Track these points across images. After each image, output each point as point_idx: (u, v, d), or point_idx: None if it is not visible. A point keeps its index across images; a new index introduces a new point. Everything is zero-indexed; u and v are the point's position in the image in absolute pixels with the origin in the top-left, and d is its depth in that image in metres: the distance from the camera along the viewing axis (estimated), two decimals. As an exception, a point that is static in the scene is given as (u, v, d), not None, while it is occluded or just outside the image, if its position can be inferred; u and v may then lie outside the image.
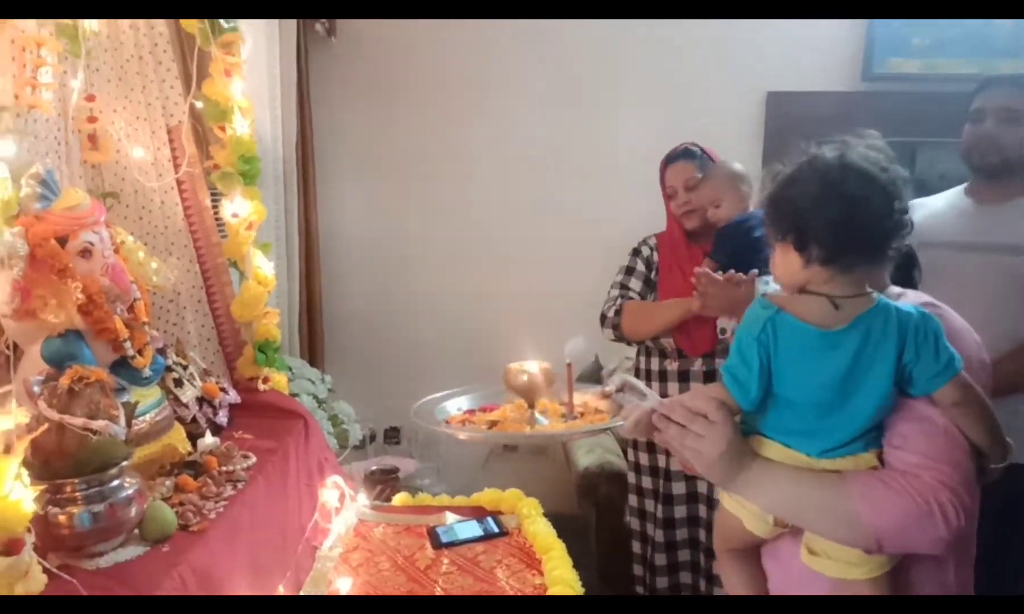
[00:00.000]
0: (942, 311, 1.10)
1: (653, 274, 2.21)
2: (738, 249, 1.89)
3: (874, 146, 1.04)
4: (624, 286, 2.22)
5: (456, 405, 1.44)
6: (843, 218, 0.99)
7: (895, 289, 1.15)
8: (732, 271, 1.83)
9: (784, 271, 1.07)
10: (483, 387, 1.49)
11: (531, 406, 1.34)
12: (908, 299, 1.10)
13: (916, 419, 1.02)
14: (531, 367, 1.31)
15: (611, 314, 2.17)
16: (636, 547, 2.33)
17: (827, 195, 1.00)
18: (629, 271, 2.26)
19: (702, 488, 2.17)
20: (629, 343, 2.24)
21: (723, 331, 1.99)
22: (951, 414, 1.00)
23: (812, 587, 1.10)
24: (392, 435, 3.41)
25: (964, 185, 2.08)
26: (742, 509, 1.14)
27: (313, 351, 3.14)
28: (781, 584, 1.19)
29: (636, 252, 2.28)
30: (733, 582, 1.23)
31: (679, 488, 2.20)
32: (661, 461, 2.21)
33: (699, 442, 1.05)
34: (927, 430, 1.01)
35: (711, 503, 2.13)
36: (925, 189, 2.19)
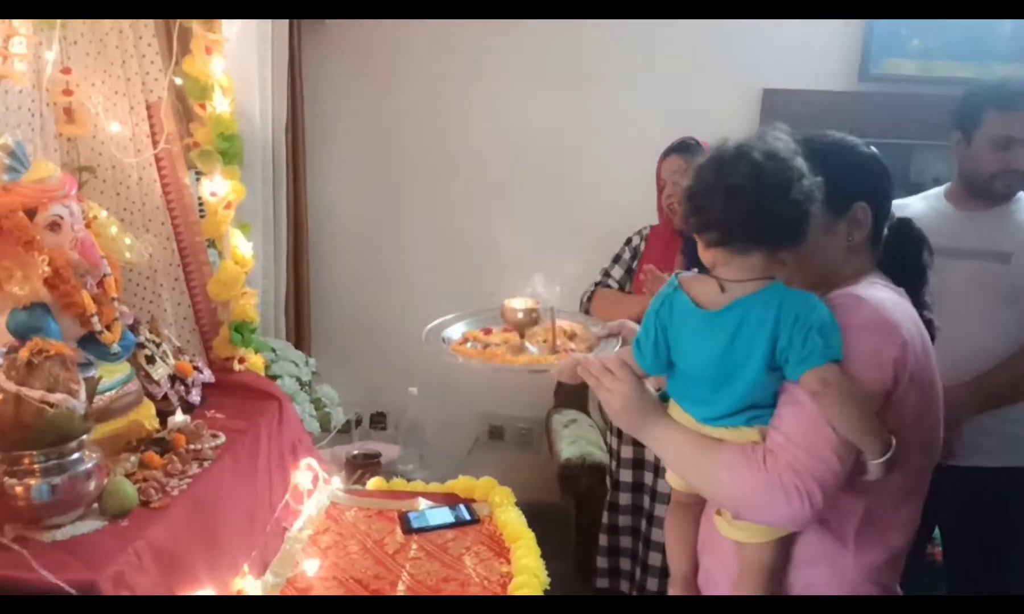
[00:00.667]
0: (858, 303, 1.10)
1: (635, 264, 2.22)
2: None
3: (779, 137, 1.08)
4: (606, 273, 2.27)
5: (459, 329, 1.62)
6: (728, 205, 1.04)
7: (873, 277, 1.17)
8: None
9: (699, 252, 1.13)
10: (487, 313, 1.65)
11: (521, 336, 1.54)
12: (851, 287, 1.13)
13: (791, 402, 1.08)
14: (519, 305, 1.54)
15: (585, 299, 2.25)
16: (603, 540, 2.35)
17: (717, 183, 1.05)
18: (616, 259, 2.30)
19: (647, 478, 2.23)
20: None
21: None
22: (817, 404, 1.04)
23: (724, 545, 1.19)
24: (378, 420, 3.40)
25: (943, 188, 2.05)
26: None
27: (299, 334, 3.14)
28: (706, 538, 1.28)
29: (628, 241, 2.33)
30: (668, 525, 1.35)
31: (625, 476, 2.26)
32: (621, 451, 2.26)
33: (607, 394, 1.18)
34: (796, 414, 1.06)
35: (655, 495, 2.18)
36: (920, 192, 2.17)
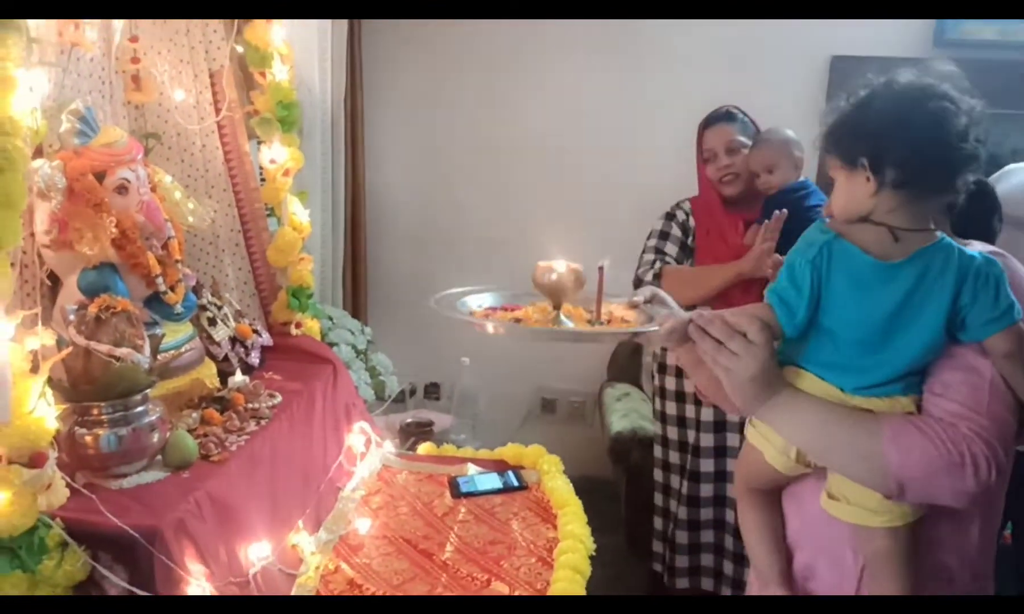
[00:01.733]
0: (1008, 260, 1.04)
1: (690, 240, 2.16)
2: (793, 215, 1.82)
3: (952, 75, 0.99)
4: (660, 251, 2.15)
5: (478, 302, 1.33)
6: (925, 138, 0.94)
7: (955, 238, 1.09)
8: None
9: (847, 199, 1.02)
10: (508, 288, 1.40)
11: (556, 307, 1.23)
12: (972, 247, 1.05)
13: (962, 368, 0.98)
14: (560, 266, 1.22)
15: (649, 278, 2.09)
16: (658, 524, 2.31)
17: (908, 114, 0.95)
18: (664, 235, 2.18)
19: (730, 466, 2.12)
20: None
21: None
22: (1000, 366, 0.96)
23: (829, 532, 1.08)
24: (432, 390, 3.46)
25: None
26: (766, 442, 1.11)
27: (356, 302, 3.20)
28: (798, 527, 1.16)
29: (670, 216, 2.20)
30: (747, 520, 1.20)
31: (707, 465, 2.17)
32: (690, 437, 2.18)
33: (733, 360, 1.01)
34: (972, 380, 0.97)
35: None
36: (995, 164, 2.06)
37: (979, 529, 1.06)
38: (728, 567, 2.18)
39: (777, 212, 1.84)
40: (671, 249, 2.15)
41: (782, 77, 2.98)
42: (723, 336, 1.01)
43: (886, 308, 0.97)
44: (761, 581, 1.20)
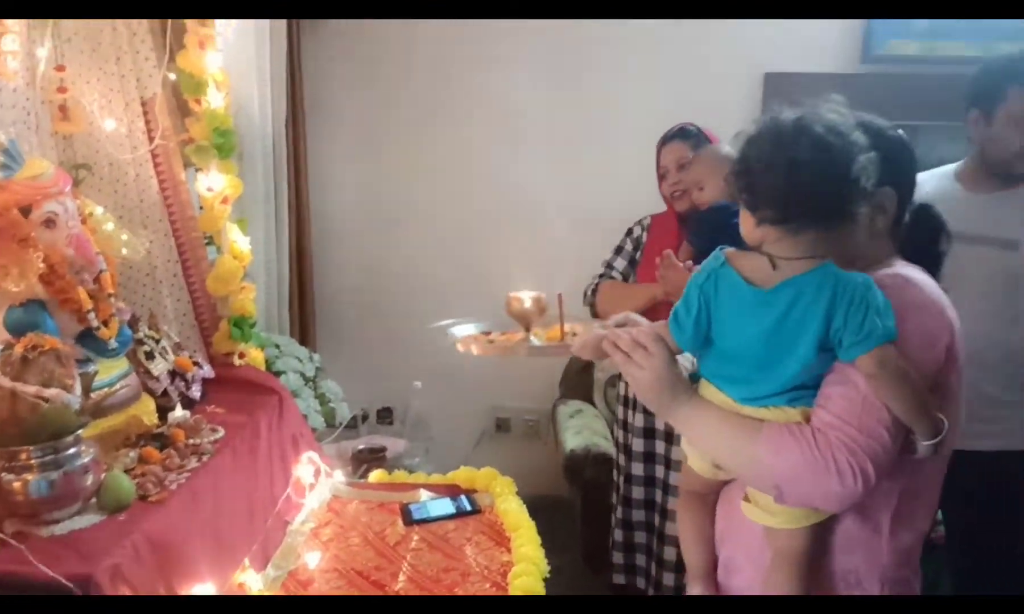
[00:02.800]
0: (907, 284, 1.09)
1: (638, 254, 2.19)
2: (715, 234, 1.85)
3: (836, 111, 1.05)
4: (609, 265, 2.23)
5: (463, 331, 1.61)
6: (791, 181, 1.01)
7: (896, 261, 1.16)
8: (691, 263, 1.81)
9: (744, 229, 1.10)
10: (488, 318, 1.65)
11: (527, 330, 1.51)
12: (890, 270, 1.12)
13: (840, 382, 1.05)
14: (525, 296, 1.51)
15: (589, 292, 2.19)
16: (619, 536, 2.32)
17: (777, 158, 1.02)
18: (618, 250, 2.26)
19: (659, 472, 2.17)
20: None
21: None
22: (869, 384, 1.02)
23: (749, 530, 1.17)
24: (385, 415, 3.42)
25: (953, 167, 2.02)
26: (690, 448, 1.23)
27: (304, 329, 3.14)
28: (726, 527, 1.25)
29: (629, 232, 2.28)
30: (682, 520, 1.31)
31: (637, 469, 2.21)
32: (629, 440, 2.22)
33: (637, 370, 1.13)
34: (847, 393, 1.04)
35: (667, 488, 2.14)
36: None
37: (890, 532, 1.13)
38: (655, 570, 2.22)
39: (667, 252, 1.90)
40: (619, 264, 2.22)
41: (719, 95, 3.05)
42: (628, 349, 1.13)
43: (762, 329, 1.05)
44: (689, 576, 1.31)
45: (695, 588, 1.29)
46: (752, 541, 1.17)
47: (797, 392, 1.07)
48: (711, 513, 1.27)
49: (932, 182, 2.02)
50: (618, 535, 2.27)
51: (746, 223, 1.09)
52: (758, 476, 1.10)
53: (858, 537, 1.13)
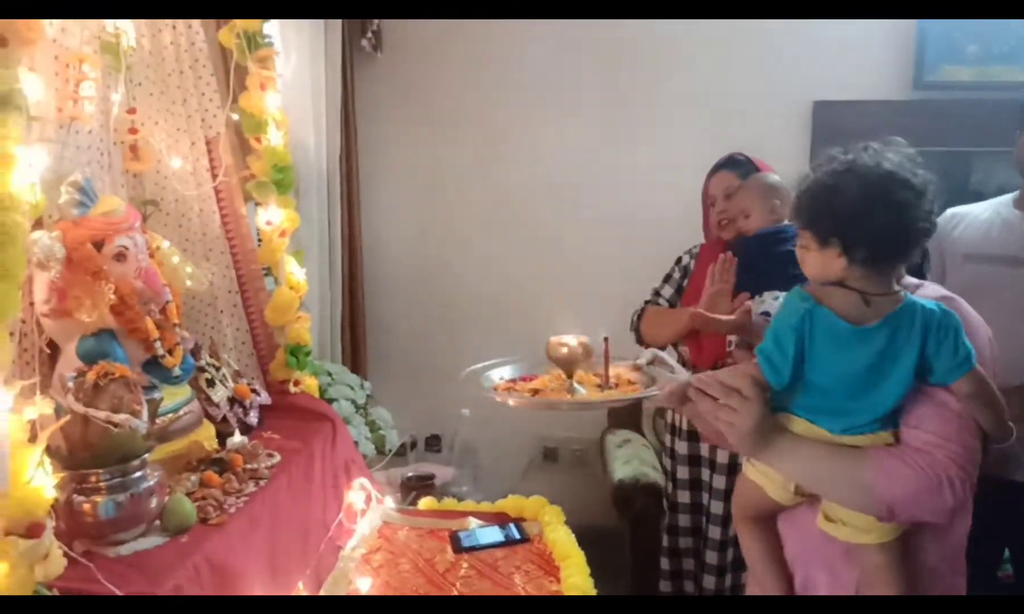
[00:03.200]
0: (958, 304, 1.18)
1: (685, 282, 2.20)
2: (758, 262, 1.85)
3: (905, 153, 1.12)
4: (656, 293, 2.24)
5: (499, 374, 1.51)
6: (889, 224, 1.08)
7: (912, 280, 1.24)
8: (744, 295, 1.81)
9: (821, 268, 1.14)
10: (525, 358, 1.56)
11: (569, 376, 1.40)
12: (926, 292, 1.20)
13: (933, 403, 1.13)
14: (570, 340, 1.40)
15: (635, 318, 2.21)
16: (665, 563, 2.30)
17: (874, 203, 1.08)
18: (666, 278, 2.28)
19: (704, 499, 2.18)
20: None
21: (730, 344, 1.95)
22: (965, 403, 1.10)
23: (826, 550, 1.22)
24: (433, 443, 3.45)
25: (1012, 195, 1.99)
26: (766, 479, 1.23)
27: (355, 358, 3.21)
28: (796, 547, 1.29)
29: (678, 260, 2.30)
30: (751, 546, 1.32)
31: (683, 497, 2.22)
32: (705, 475, 2.20)
33: (733, 416, 1.14)
34: (942, 413, 1.12)
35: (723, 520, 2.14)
36: (981, 200, 2.10)
37: (955, 534, 1.22)
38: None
39: (723, 255, 1.90)
40: (667, 291, 2.23)
41: (767, 124, 3.04)
42: (721, 395, 1.15)
43: (863, 365, 1.11)
44: None
45: None
46: (835, 560, 1.22)
47: (890, 416, 1.14)
48: (777, 535, 1.31)
49: (990, 210, 1.99)
50: (664, 563, 2.26)
51: (828, 265, 1.13)
52: (866, 501, 1.13)
53: (933, 538, 1.20)
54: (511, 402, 1.36)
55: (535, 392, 1.39)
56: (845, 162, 1.12)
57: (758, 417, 1.13)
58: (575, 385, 1.39)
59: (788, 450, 1.16)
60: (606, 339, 1.39)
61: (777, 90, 3.10)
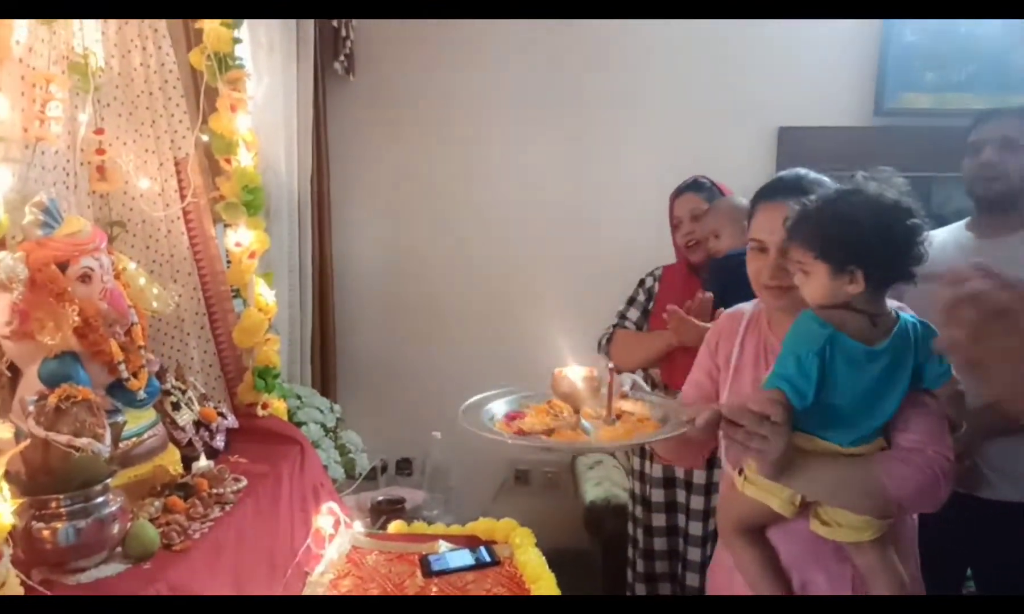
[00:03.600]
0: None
1: (651, 304, 2.22)
2: (731, 282, 1.88)
3: (900, 182, 1.22)
4: (622, 315, 2.26)
5: (501, 409, 1.41)
6: (901, 250, 1.18)
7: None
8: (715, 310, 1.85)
9: (827, 292, 1.21)
10: (525, 389, 1.47)
11: (576, 412, 1.33)
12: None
13: (915, 405, 1.24)
14: (576, 377, 1.34)
15: (604, 341, 2.22)
16: (629, 575, 2.32)
17: (890, 231, 1.17)
18: (630, 301, 2.29)
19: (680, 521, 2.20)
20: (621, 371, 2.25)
21: None
22: (945, 403, 1.24)
23: (819, 552, 1.29)
24: (404, 466, 3.42)
25: (967, 219, 2.06)
26: (770, 495, 1.28)
27: (325, 380, 3.18)
28: (791, 552, 1.34)
29: (641, 282, 2.31)
30: (748, 558, 1.35)
31: (659, 520, 2.22)
32: (647, 492, 2.22)
33: (765, 443, 1.19)
34: (925, 414, 1.24)
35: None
36: (941, 224, 2.16)
37: (910, 518, 1.37)
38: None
39: (700, 294, 1.97)
40: (632, 314, 2.24)
41: (735, 148, 3.10)
42: (753, 424, 1.19)
43: (872, 381, 1.20)
44: None
45: None
46: (828, 561, 1.30)
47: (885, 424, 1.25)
48: (770, 544, 1.35)
49: (946, 233, 2.05)
50: (640, 589, 2.24)
51: (840, 286, 1.19)
52: (879, 503, 1.22)
53: (905, 524, 1.34)
54: (525, 442, 1.27)
55: (549, 432, 1.29)
56: (852, 191, 1.20)
57: (787, 441, 1.19)
58: (583, 422, 1.31)
59: (805, 467, 1.23)
60: (611, 369, 1.33)
61: (743, 116, 3.17)
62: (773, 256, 1.34)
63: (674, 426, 1.29)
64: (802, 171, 1.39)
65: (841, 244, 1.17)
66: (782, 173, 1.45)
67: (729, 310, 1.56)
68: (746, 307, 1.51)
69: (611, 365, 1.36)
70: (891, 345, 1.20)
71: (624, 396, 1.40)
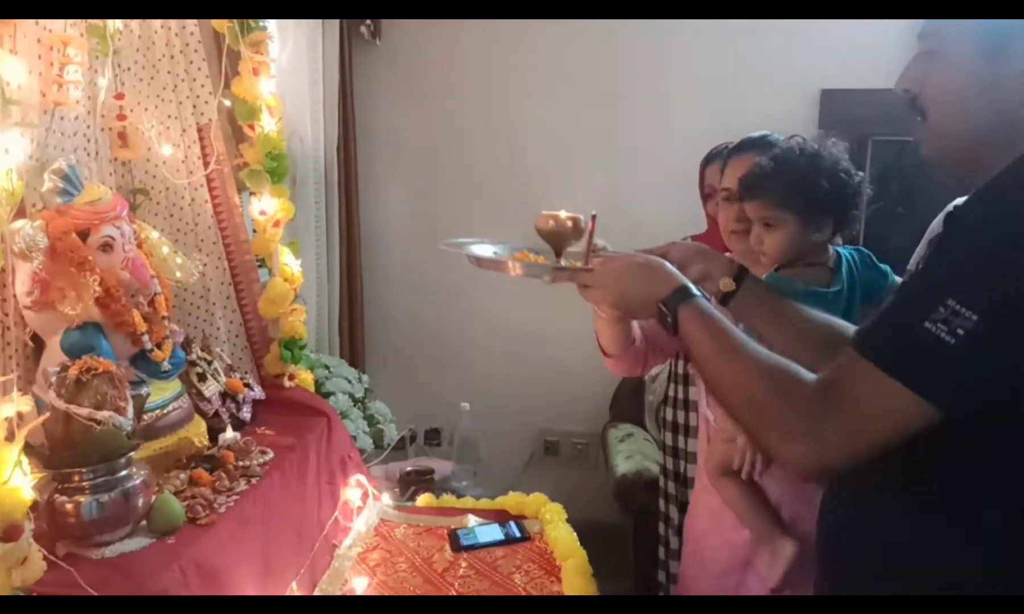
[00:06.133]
0: None
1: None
2: None
3: (838, 145, 1.34)
4: None
5: (483, 252, 1.49)
6: (855, 204, 1.32)
7: None
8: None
9: (792, 245, 1.32)
10: (512, 240, 1.54)
11: (558, 255, 1.36)
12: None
13: None
14: (560, 214, 1.34)
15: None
16: (661, 553, 2.26)
17: (852, 189, 1.31)
18: None
19: None
20: None
21: None
22: None
23: (802, 486, 1.32)
24: (433, 437, 3.40)
25: None
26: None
27: (353, 350, 3.16)
28: (776, 491, 1.38)
29: None
30: (736, 496, 1.39)
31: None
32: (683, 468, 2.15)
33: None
34: None
35: None
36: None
37: None
38: None
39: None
40: None
41: (774, 111, 2.97)
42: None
43: (843, 316, 1.25)
44: (764, 546, 1.36)
45: (786, 547, 1.31)
46: (813, 496, 1.23)
47: None
48: (756, 483, 1.39)
49: None
50: (674, 567, 2.18)
51: (807, 239, 1.32)
52: None
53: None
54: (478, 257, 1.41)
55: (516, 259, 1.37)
56: (811, 148, 1.31)
57: None
58: (562, 263, 1.34)
59: None
60: (593, 216, 1.30)
61: (784, 77, 3.05)
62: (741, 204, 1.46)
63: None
64: (766, 132, 1.55)
65: (811, 193, 1.28)
66: (750, 134, 1.60)
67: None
68: None
69: (594, 212, 1.32)
70: (845, 278, 1.34)
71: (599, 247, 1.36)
